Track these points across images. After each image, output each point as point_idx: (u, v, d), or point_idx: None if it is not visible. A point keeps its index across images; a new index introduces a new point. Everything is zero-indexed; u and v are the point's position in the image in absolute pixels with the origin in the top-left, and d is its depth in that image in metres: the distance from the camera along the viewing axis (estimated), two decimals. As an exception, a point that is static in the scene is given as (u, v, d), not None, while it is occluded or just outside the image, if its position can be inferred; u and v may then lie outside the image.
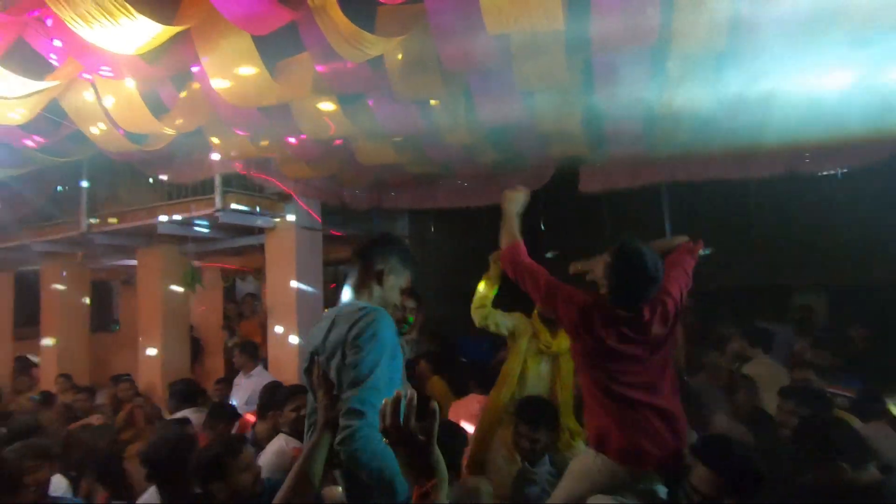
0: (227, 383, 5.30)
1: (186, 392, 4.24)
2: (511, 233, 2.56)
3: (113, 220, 6.14)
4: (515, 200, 2.66)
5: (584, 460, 2.30)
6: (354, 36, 2.66)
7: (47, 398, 5.66)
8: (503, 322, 3.24)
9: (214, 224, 5.73)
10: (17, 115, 3.39)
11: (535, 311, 3.21)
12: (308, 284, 5.80)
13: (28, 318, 8.17)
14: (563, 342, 3.06)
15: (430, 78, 3.27)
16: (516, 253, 2.49)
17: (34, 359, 7.50)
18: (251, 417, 4.01)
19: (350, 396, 1.56)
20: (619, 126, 3.85)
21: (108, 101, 3.47)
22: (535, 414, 2.75)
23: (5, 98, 3.12)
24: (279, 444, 3.05)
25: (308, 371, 1.77)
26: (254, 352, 5.30)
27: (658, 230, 5.10)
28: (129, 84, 3.34)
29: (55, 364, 7.04)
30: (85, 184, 6.14)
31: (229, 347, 6.98)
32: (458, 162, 4.85)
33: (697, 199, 5.26)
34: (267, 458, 2.94)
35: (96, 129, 3.88)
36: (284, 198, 5.80)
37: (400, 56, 3.15)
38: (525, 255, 2.51)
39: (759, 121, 3.58)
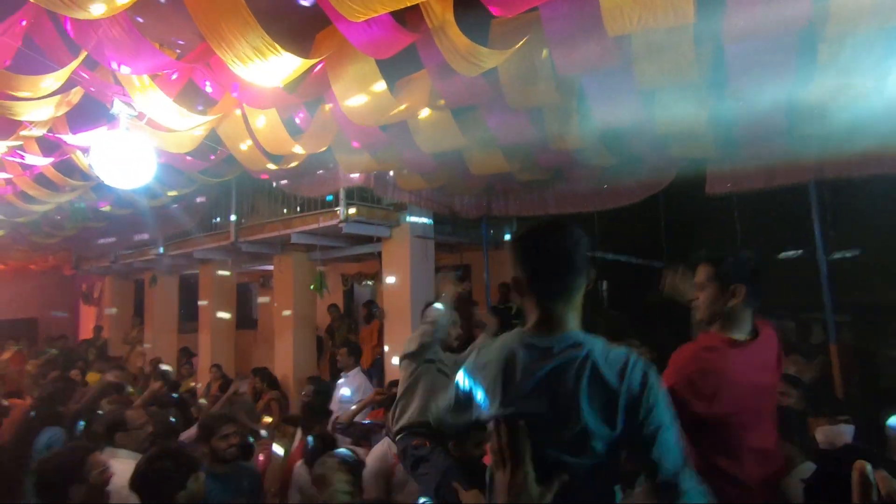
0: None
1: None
2: None
3: (255, 231, 6.96)
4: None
5: None
6: (470, 51, 2.75)
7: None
8: None
9: (338, 234, 6.23)
10: (187, 144, 4.00)
11: None
12: (421, 290, 6.05)
13: (189, 315, 9.55)
14: None
15: (543, 85, 3.26)
16: None
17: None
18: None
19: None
20: (755, 122, 3.49)
21: (255, 126, 3.95)
22: None
23: (179, 131, 3.71)
24: (383, 448, 2.98)
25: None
26: (357, 354, 5.61)
27: (803, 233, 4.51)
28: (272, 112, 3.78)
29: (209, 355, 8.15)
30: (234, 200, 7.04)
31: (330, 353, 7.49)
32: (571, 167, 4.74)
33: (851, 199, 4.57)
34: (370, 461, 2.86)
35: (244, 152, 4.45)
36: (400, 208, 6.13)
37: (513, 66, 3.18)
38: None
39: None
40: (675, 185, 4.82)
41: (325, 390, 4.87)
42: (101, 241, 8.81)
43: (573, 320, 1.29)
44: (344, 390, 5.00)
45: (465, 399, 1.39)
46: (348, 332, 7.77)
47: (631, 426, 1.17)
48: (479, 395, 1.32)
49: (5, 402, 3.53)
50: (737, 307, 1.78)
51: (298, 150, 4.04)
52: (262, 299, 10.85)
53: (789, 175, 4.25)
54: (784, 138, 3.77)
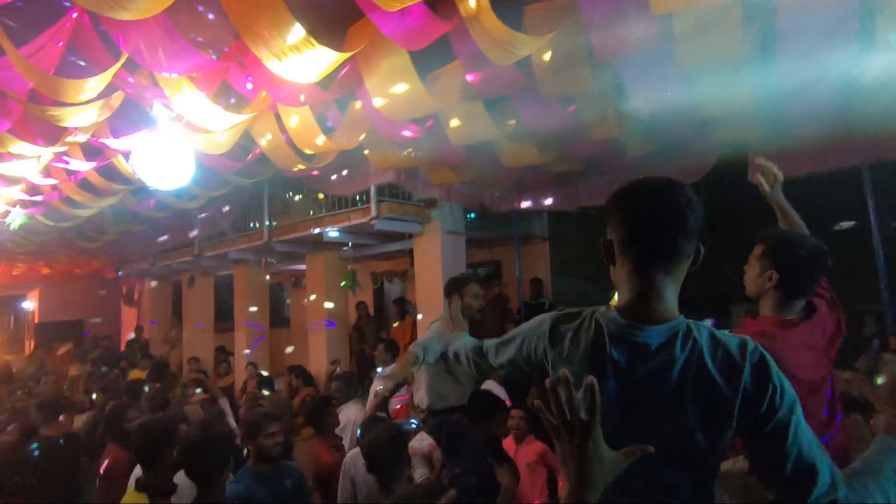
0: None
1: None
2: None
3: (287, 231, 7.05)
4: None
5: None
6: (506, 39, 2.68)
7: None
8: None
9: (370, 231, 6.25)
10: (223, 145, 4.06)
11: None
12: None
13: (225, 314, 9.77)
14: None
15: (579, 72, 3.17)
16: None
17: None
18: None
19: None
20: (804, 103, 3.32)
21: (289, 125, 3.98)
22: None
23: (215, 132, 3.76)
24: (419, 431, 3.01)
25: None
26: (394, 351, 5.60)
27: (856, 217, 4.27)
28: (305, 109, 3.80)
29: (243, 354, 8.32)
30: (266, 201, 7.15)
31: (356, 350, 7.54)
32: (605, 158, 4.62)
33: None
34: (413, 443, 2.88)
35: (277, 150, 4.49)
36: (430, 204, 6.10)
37: (547, 53, 3.10)
38: None
39: None
40: (715, 172, 4.65)
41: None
42: (141, 243, 9.09)
43: (672, 299, 1.05)
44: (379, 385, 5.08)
45: (525, 361, 1.27)
46: (377, 330, 7.80)
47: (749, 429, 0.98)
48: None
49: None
50: (773, 292, 1.75)
51: (330, 146, 4.05)
52: (294, 299, 11.03)
53: (842, 158, 4.04)
54: (836, 119, 3.57)
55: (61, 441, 3.50)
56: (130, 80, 3.17)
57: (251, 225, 7.74)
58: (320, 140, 3.93)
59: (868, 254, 4.11)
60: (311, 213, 6.91)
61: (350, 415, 3.91)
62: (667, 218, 1.04)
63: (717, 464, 1.04)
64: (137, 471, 2.57)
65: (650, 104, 3.36)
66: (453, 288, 3.01)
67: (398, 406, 4.27)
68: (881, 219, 4.08)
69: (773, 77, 3.02)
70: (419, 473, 2.62)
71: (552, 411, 0.89)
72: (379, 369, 5.40)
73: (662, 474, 0.99)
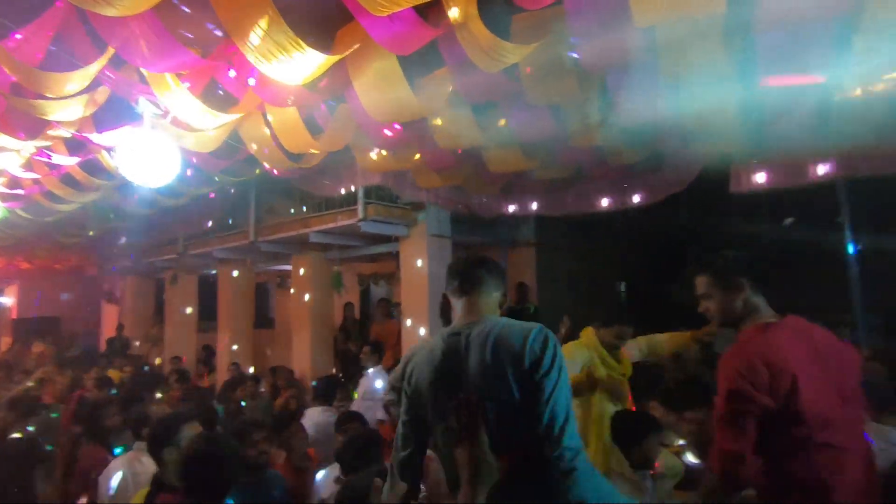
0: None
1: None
2: None
3: (273, 230, 7.01)
4: None
5: None
6: (493, 47, 2.72)
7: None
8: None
9: (356, 233, 6.25)
10: (210, 144, 4.04)
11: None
12: (438, 289, 6.03)
13: (208, 314, 9.67)
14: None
15: (564, 80, 3.22)
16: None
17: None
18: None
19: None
20: (785, 116, 3.41)
21: (276, 125, 3.98)
22: None
23: (202, 130, 3.75)
24: None
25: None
26: (380, 353, 5.61)
27: (835, 233, 4.40)
28: (292, 110, 3.80)
29: (227, 353, 8.24)
30: (253, 200, 7.10)
31: (341, 350, 7.53)
32: (591, 165, 4.69)
33: (887, 195, 4.44)
34: None
35: (264, 151, 4.48)
36: (417, 207, 6.12)
37: (534, 61, 3.15)
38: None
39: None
40: (699, 183, 4.74)
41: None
42: (123, 240, 8.97)
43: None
44: (366, 387, 5.10)
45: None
46: (364, 332, 7.79)
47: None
48: None
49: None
50: (748, 299, 1.84)
51: (317, 147, 4.05)
52: (279, 299, 10.96)
53: (819, 171, 4.15)
54: (814, 135, 3.67)
55: (17, 441, 3.45)
56: (109, 74, 3.14)
57: (237, 224, 7.68)
58: (307, 141, 3.93)
59: (841, 266, 4.23)
60: (299, 211, 6.88)
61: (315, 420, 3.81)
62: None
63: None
64: (126, 468, 2.52)
65: (634, 114, 3.42)
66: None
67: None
68: (855, 232, 4.21)
69: (754, 91, 3.10)
70: None
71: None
72: (367, 370, 5.41)
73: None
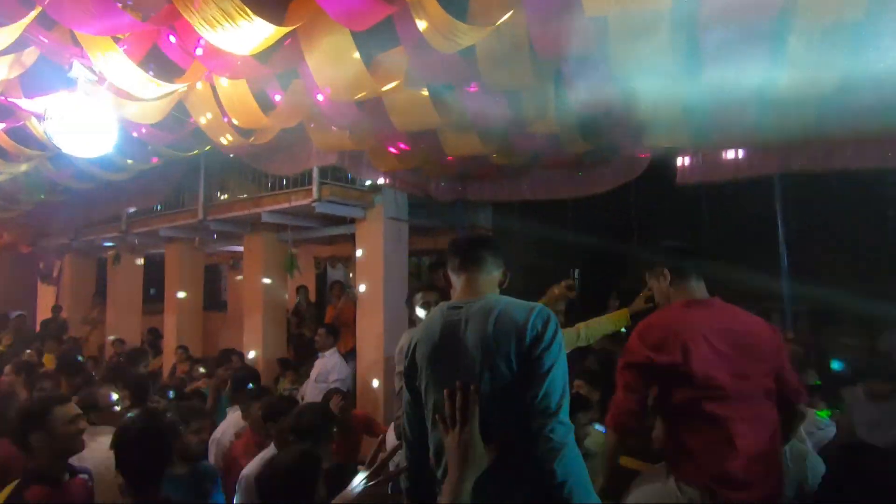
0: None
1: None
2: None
3: (223, 209, 6.77)
4: None
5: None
6: (448, 27, 2.70)
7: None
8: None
9: (311, 214, 6.12)
10: (153, 115, 3.84)
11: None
12: (394, 272, 6.01)
13: (154, 296, 9.28)
14: None
15: (520, 67, 3.24)
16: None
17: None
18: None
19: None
20: (725, 111, 3.56)
21: (224, 99, 3.82)
22: None
23: (144, 100, 3.55)
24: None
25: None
26: (335, 335, 5.55)
27: (768, 225, 4.66)
28: (242, 83, 3.65)
29: (175, 337, 7.94)
30: (202, 176, 6.82)
31: (293, 334, 7.44)
32: (546, 152, 4.75)
33: (816, 191, 4.74)
34: None
35: (212, 125, 4.30)
36: (374, 189, 6.05)
37: (490, 45, 3.14)
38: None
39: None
40: (647, 175, 4.90)
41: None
42: (61, 216, 8.43)
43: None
44: (320, 370, 5.07)
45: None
46: (318, 315, 7.69)
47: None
48: None
49: None
50: (675, 283, 2.09)
51: (268, 123, 3.92)
52: (231, 281, 10.63)
53: (758, 166, 4.37)
54: (754, 129, 3.85)
55: None
56: (40, 37, 2.92)
57: (184, 198, 7.35)
58: (258, 117, 3.80)
59: (773, 257, 4.50)
60: (250, 192, 6.66)
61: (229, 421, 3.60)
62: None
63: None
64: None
65: (587, 102, 3.49)
66: (406, 301, 3.16)
67: None
68: (786, 224, 4.48)
69: (700, 83, 3.21)
70: None
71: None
72: (320, 355, 5.33)
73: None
